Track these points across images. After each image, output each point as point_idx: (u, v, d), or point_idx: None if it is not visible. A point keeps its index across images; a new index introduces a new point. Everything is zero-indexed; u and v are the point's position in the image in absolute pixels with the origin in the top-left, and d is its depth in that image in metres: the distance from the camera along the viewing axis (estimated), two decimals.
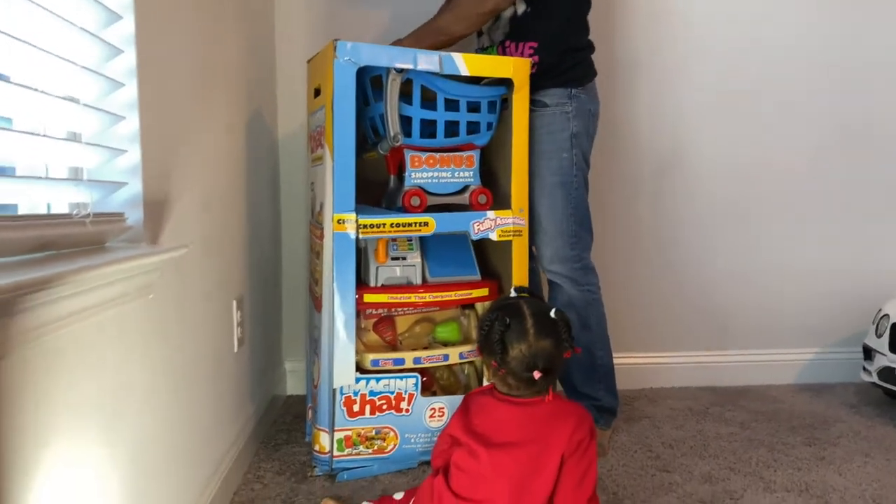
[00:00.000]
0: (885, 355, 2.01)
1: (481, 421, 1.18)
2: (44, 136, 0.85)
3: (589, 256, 1.80)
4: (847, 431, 1.91)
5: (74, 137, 0.96)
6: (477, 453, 1.14)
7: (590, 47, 1.81)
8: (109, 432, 0.91)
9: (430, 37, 1.69)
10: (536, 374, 1.12)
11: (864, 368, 2.12)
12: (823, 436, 1.87)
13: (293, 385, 2.20)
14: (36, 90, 0.80)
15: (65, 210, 0.94)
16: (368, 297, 1.60)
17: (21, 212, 0.89)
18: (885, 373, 2.01)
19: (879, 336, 2.06)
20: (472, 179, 1.68)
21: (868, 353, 2.11)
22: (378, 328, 1.70)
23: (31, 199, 0.86)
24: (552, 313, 1.16)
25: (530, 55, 1.72)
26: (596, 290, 1.81)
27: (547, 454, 1.12)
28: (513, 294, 1.26)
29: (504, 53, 1.75)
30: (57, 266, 0.74)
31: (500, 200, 1.70)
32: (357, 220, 1.52)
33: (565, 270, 1.76)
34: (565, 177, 1.72)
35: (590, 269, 1.80)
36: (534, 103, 1.71)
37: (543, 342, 1.14)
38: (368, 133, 1.68)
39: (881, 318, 2.09)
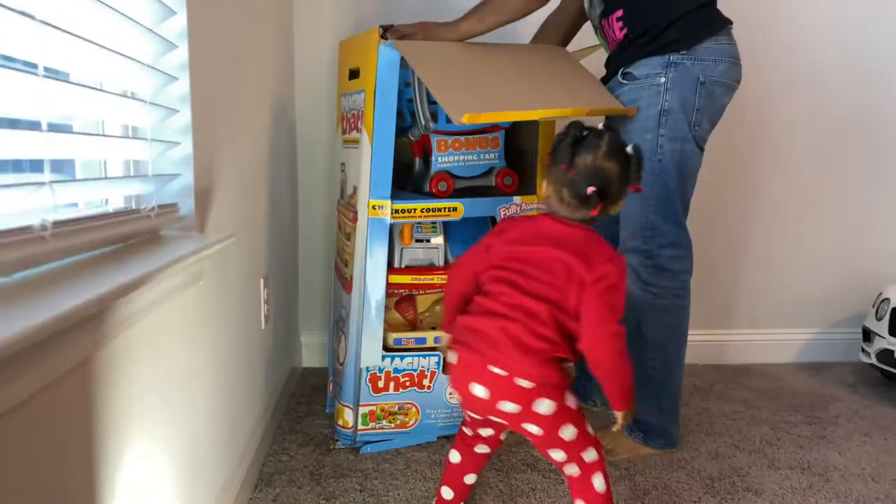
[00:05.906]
0: (884, 338, 2.09)
1: (517, 229, 1.21)
2: (104, 135, 0.88)
3: (668, 255, 1.58)
4: (845, 411, 1.99)
5: (133, 131, 0.98)
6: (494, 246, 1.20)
7: None
8: (168, 416, 0.95)
9: (493, 15, 1.52)
10: (590, 189, 1.12)
11: (863, 350, 2.20)
12: (823, 415, 1.95)
13: (308, 357, 2.25)
14: (97, 88, 0.82)
15: (121, 203, 0.97)
16: (393, 278, 1.64)
17: (80, 208, 0.91)
18: (884, 355, 2.09)
19: (879, 319, 2.13)
20: (497, 161, 1.70)
21: (867, 335, 2.18)
22: (399, 307, 1.75)
23: (89, 197, 0.88)
24: (629, 148, 1.17)
25: (619, 28, 1.54)
26: (666, 294, 1.58)
27: (566, 268, 1.12)
28: None
29: (603, 35, 1.61)
30: (132, 262, 0.78)
31: (527, 182, 1.70)
32: (392, 206, 1.55)
33: (632, 262, 1.58)
34: (646, 161, 1.51)
35: (664, 269, 1.57)
36: (624, 76, 1.55)
37: (610, 163, 1.15)
38: (406, 116, 1.66)
39: (882, 301, 2.16)
